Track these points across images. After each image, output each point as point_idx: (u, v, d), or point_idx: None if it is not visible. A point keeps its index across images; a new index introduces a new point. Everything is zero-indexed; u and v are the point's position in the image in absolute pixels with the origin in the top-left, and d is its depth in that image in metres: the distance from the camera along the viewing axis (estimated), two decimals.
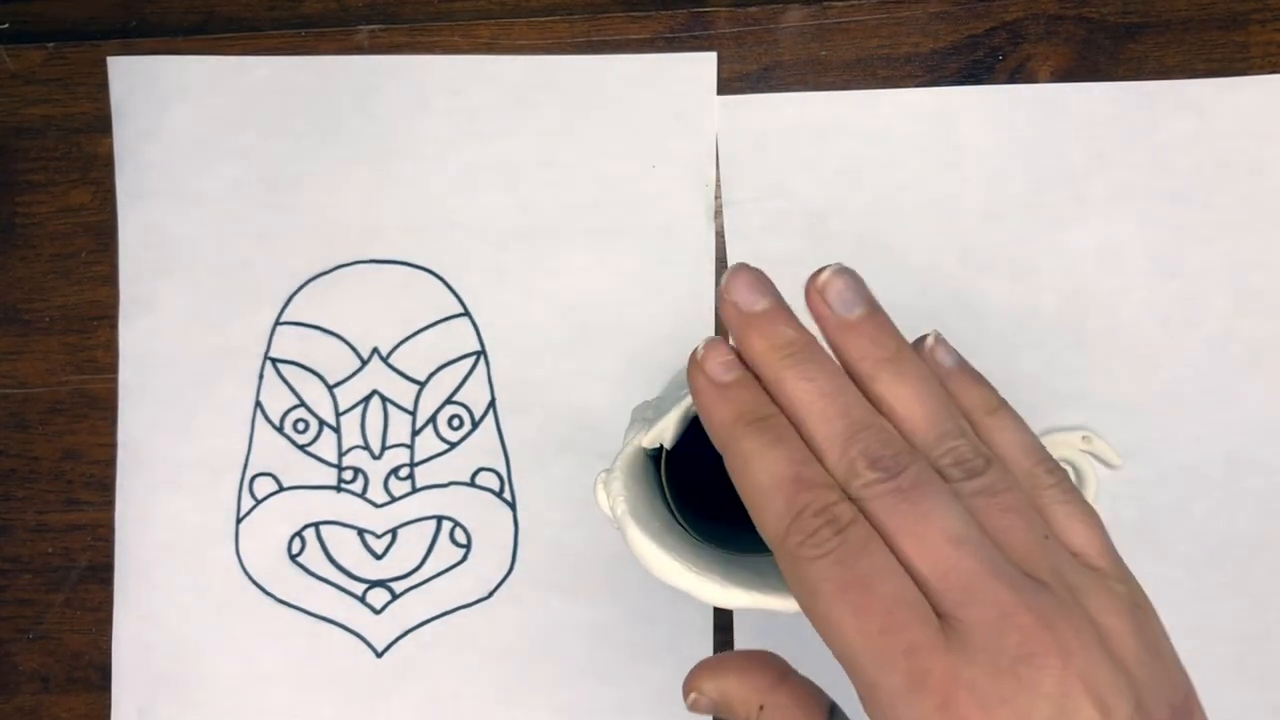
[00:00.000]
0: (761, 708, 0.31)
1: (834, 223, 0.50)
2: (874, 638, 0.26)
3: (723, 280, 0.31)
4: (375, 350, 0.51)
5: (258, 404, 0.51)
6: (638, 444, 0.38)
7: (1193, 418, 0.49)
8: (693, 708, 0.33)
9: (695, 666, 0.33)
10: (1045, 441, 0.47)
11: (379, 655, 0.51)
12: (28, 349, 0.52)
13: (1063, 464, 0.47)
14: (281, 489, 0.51)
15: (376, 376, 0.51)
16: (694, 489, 0.43)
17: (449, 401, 0.51)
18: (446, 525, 0.51)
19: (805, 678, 0.32)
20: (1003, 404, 0.32)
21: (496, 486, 0.51)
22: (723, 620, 0.50)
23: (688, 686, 0.33)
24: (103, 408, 0.52)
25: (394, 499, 0.51)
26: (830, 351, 0.31)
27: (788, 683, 0.32)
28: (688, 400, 0.38)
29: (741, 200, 0.51)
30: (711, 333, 0.50)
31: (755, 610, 0.35)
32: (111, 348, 0.52)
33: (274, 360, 0.52)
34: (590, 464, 0.51)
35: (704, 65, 0.51)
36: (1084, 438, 0.48)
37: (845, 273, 0.31)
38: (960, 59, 0.51)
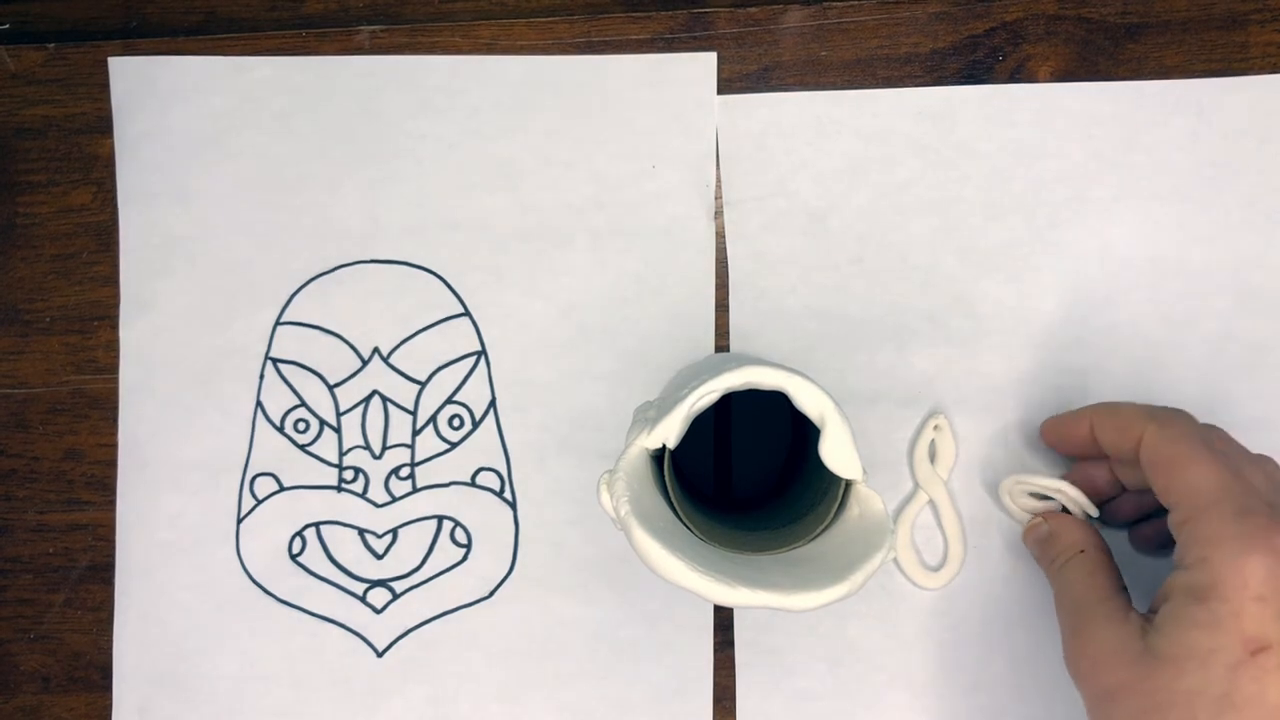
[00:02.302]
0: (1083, 551, 0.43)
1: (834, 222, 0.50)
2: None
3: None
4: (376, 350, 0.51)
5: (258, 404, 0.52)
6: (641, 444, 0.38)
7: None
8: (1029, 532, 0.47)
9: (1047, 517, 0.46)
10: (1020, 480, 0.47)
11: (380, 655, 0.51)
12: (28, 349, 0.52)
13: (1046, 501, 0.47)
14: (282, 489, 0.51)
15: (377, 376, 0.51)
16: (697, 488, 0.43)
17: (449, 401, 0.51)
18: (447, 525, 0.51)
19: None
20: None
21: (497, 486, 0.51)
22: (723, 619, 0.50)
23: (1029, 525, 0.47)
24: (103, 408, 0.52)
25: (395, 499, 0.51)
26: None
27: (1103, 547, 0.44)
28: (691, 400, 0.38)
29: (742, 200, 0.51)
30: (711, 332, 0.50)
31: (759, 608, 0.35)
32: (112, 348, 0.52)
33: (274, 360, 0.52)
34: (590, 464, 0.51)
35: (704, 65, 0.51)
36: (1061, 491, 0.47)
37: None
38: (960, 59, 0.51)
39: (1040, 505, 0.47)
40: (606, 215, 0.51)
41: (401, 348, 0.51)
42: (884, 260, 0.50)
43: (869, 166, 0.51)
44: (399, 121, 0.52)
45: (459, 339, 0.51)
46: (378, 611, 0.51)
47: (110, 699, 0.51)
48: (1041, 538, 0.46)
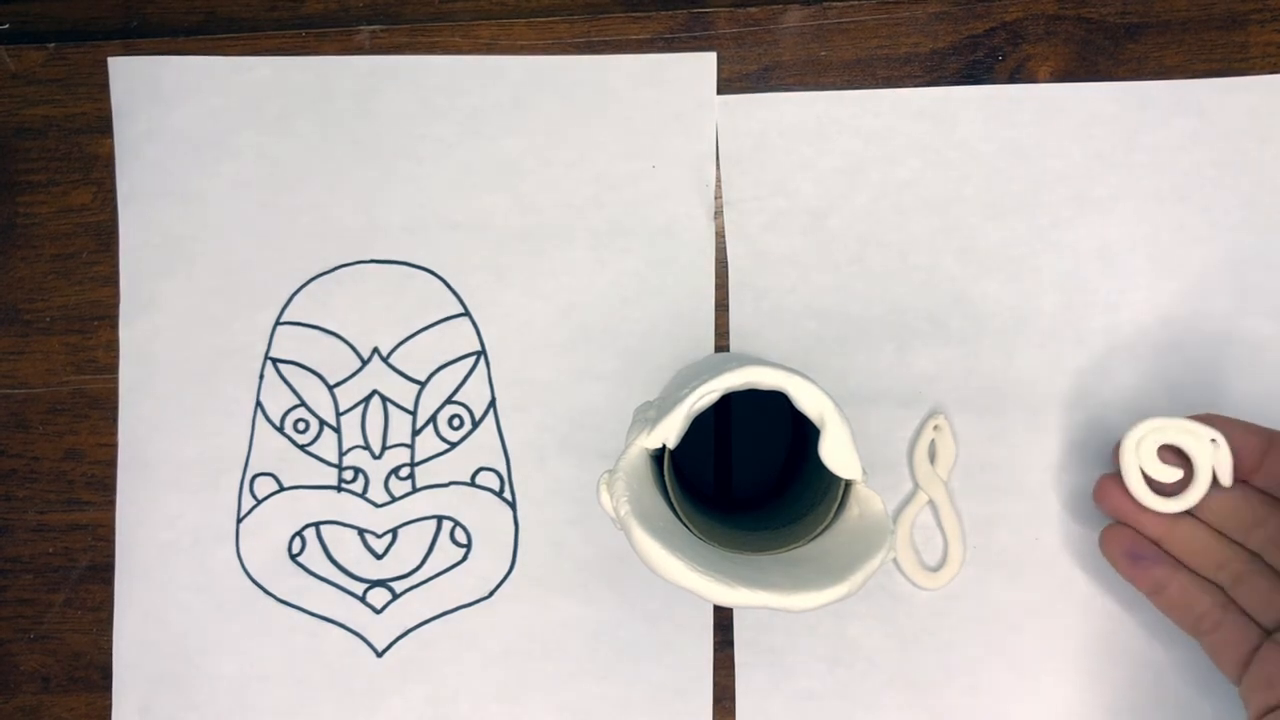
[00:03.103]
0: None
1: (834, 222, 0.50)
2: None
3: None
4: (375, 350, 0.51)
5: (258, 404, 0.52)
6: (641, 444, 0.38)
7: None
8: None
9: None
10: (1164, 423, 0.45)
11: (379, 655, 0.51)
12: (28, 349, 0.52)
13: (1177, 449, 0.45)
14: (282, 489, 0.51)
15: (377, 376, 0.51)
16: (697, 488, 0.43)
17: (449, 401, 0.51)
18: (447, 525, 0.51)
19: None
20: None
21: (497, 486, 0.51)
22: (723, 619, 0.50)
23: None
24: (103, 408, 0.52)
25: (394, 499, 0.51)
26: None
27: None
28: (691, 400, 0.38)
29: (742, 199, 0.51)
30: (711, 332, 0.50)
31: (758, 608, 0.35)
32: (112, 348, 0.52)
33: (274, 360, 0.52)
34: (590, 463, 0.51)
35: (704, 65, 0.51)
36: (1213, 440, 0.44)
37: None
38: (960, 59, 0.51)
39: (1170, 472, 0.44)
40: (606, 215, 0.51)
41: (401, 348, 0.51)
42: (884, 260, 0.50)
43: (869, 166, 0.50)
44: (399, 121, 0.52)
45: (459, 339, 0.51)
46: (377, 611, 0.51)
47: (110, 699, 0.51)
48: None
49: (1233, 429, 0.44)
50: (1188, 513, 0.45)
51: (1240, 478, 0.44)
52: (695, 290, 0.51)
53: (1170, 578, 0.45)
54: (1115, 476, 0.46)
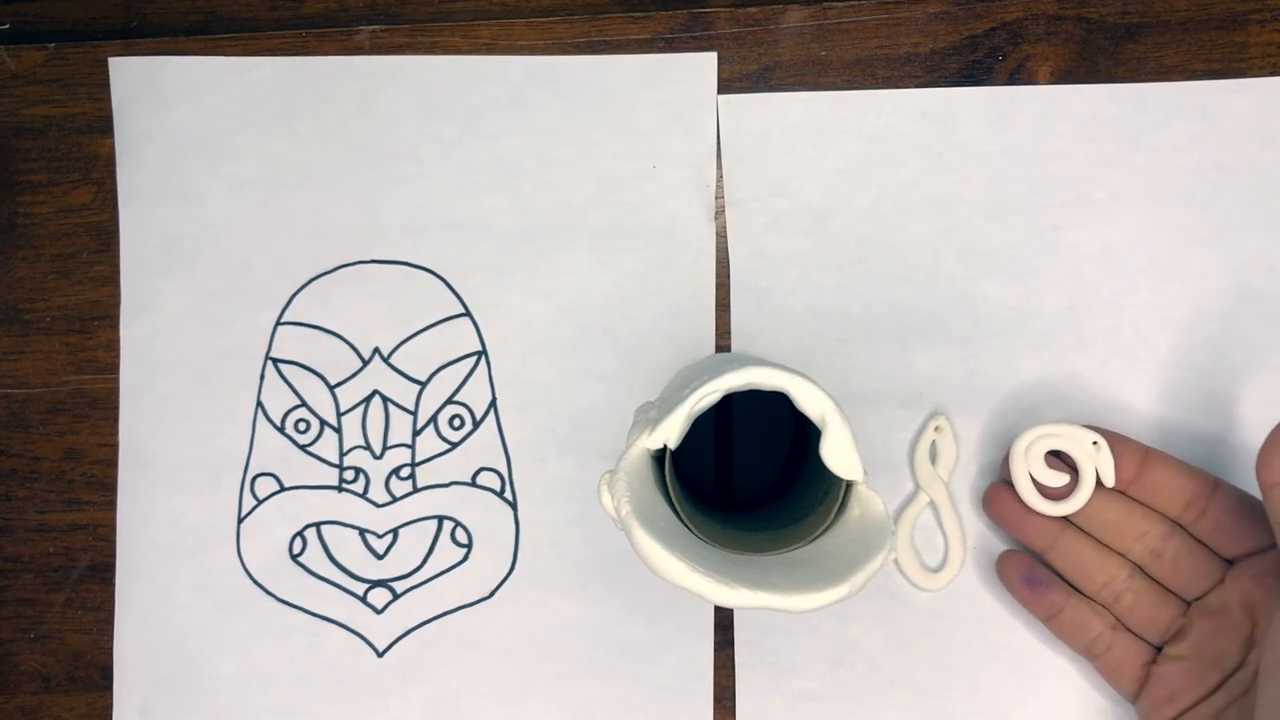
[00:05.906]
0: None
1: (836, 222, 0.50)
2: None
3: None
4: (376, 350, 0.51)
5: (259, 404, 0.51)
6: (642, 444, 0.38)
7: (1194, 420, 0.49)
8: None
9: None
10: (1050, 430, 0.46)
11: (380, 655, 0.51)
12: (29, 349, 0.52)
13: (1062, 456, 0.47)
14: (283, 489, 0.51)
15: (377, 376, 0.51)
16: (697, 489, 0.43)
17: (450, 401, 0.51)
18: (448, 525, 0.51)
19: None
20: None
21: (497, 486, 0.51)
22: (723, 619, 0.50)
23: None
24: (104, 408, 0.52)
25: (395, 499, 0.51)
26: None
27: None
28: (692, 400, 0.38)
29: (744, 199, 0.51)
30: (712, 332, 0.50)
31: (759, 609, 0.35)
32: (112, 348, 0.52)
33: (275, 360, 0.52)
34: (591, 464, 0.51)
35: (704, 65, 0.51)
36: (1095, 444, 0.46)
37: None
38: (960, 59, 0.51)
39: (1056, 477, 0.46)
40: (607, 215, 0.51)
41: (402, 348, 0.51)
42: (886, 261, 0.50)
43: (871, 167, 0.50)
44: (399, 121, 0.52)
45: (459, 339, 0.51)
46: (378, 612, 0.51)
47: (110, 699, 0.51)
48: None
49: (1112, 439, 0.46)
50: (1074, 526, 0.46)
51: (1119, 488, 0.46)
52: (696, 290, 0.51)
53: (1064, 602, 0.46)
54: (1005, 484, 0.47)
